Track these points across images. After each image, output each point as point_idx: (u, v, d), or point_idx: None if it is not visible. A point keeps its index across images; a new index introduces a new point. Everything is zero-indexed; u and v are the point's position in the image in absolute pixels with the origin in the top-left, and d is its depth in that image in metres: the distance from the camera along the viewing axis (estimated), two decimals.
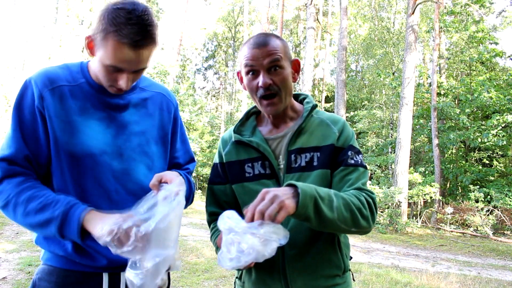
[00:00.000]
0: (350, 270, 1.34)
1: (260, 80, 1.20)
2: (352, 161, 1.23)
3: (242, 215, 1.36)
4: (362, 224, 1.13)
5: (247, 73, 1.24)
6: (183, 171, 1.36)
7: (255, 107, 1.40)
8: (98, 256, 1.18)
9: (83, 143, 1.16)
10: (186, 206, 1.23)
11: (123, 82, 1.12)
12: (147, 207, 1.05)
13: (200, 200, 16.31)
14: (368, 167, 1.32)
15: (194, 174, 14.53)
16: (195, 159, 1.50)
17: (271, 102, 1.23)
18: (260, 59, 1.20)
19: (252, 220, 0.98)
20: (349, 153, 1.23)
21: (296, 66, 1.30)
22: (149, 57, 1.12)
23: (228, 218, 1.11)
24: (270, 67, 1.20)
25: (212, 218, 1.37)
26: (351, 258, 1.37)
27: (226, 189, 1.36)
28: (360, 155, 1.26)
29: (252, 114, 1.42)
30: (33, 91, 1.14)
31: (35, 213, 1.07)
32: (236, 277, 1.40)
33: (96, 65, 1.15)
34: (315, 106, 1.32)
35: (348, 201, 1.11)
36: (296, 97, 1.41)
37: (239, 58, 1.29)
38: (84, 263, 1.18)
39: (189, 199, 1.33)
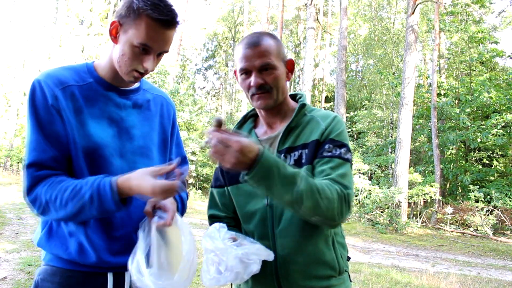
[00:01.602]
0: (347, 271, 1.32)
1: (252, 80, 1.22)
2: (329, 154, 1.19)
3: (239, 217, 1.37)
4: (325, 214, 1.08)
5: (241, 73, 1.26)
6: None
7: (253, 109, 1.41)
8: (103, 254, 1.17)
9: (93, 141, 1.17)
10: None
11: (149, 63, 1.15)
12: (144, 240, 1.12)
13: (200, 200, 16.30)
14: (353, 161, 1.29)
15: (194, 174, 14.52)
16: (188, 162, 1.52)
17: (261, 96, 1.24)
18: (252, 60, 1.21)
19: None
20: (327, 146, 1.20)
21: (290, 66, 1.30)
22: (172, 41, 1.19)
23: (210, 238, 1.11)
24: (262, 68, 1.22)
25: (212, 220, 1.39)
26: (349, 258, 1.35)
27: (225, 191, 1.38)
28: (342, 149, 1.21)
29: (250, 117, 1.44)
30: (44, 91, 1.13)
31: (68, 205, 1.07)
32: None
33: (118, 51, 1.16)
34: (303, 105, 1.31)
35: (314, 188, 1.06)
36: (294, 97, 1.42)
37: (235, 57, 1.30)
38: (88, 264, 1.17)
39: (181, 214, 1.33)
